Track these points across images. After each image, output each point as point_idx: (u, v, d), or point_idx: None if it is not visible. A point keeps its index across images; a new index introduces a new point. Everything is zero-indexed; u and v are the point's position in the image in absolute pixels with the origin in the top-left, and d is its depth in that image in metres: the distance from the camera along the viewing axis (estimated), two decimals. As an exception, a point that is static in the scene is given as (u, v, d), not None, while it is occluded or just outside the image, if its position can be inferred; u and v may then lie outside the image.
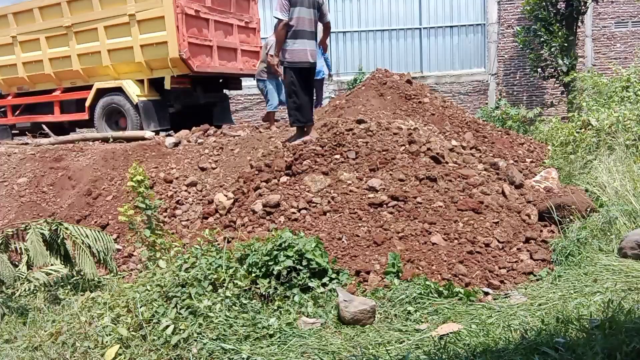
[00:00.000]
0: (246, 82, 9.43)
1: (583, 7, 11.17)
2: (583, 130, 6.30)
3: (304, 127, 5.69)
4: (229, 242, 4.18)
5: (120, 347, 3.04)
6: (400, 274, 3.65)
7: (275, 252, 3.52)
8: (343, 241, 4.02)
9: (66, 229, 4.13)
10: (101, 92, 8.07)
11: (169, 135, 7.28)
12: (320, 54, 7.47)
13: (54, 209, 5.73)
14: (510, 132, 7.42)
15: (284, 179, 4.81)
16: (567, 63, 10.96)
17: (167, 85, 7.68)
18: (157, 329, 3.13)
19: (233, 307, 3.27)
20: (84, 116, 8.31)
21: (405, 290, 3.44)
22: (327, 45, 6.37)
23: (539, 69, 11.59)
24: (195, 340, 3.04)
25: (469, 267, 3.81)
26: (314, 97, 6.85)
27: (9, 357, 3.19)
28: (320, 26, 5.79)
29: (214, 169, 5.82)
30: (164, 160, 6.09)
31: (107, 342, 3.11)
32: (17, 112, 9.23)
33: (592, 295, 3.21)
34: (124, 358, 2.99)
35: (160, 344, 3.06)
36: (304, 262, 3.51)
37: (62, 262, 4.22)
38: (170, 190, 5.53)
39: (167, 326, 3.09)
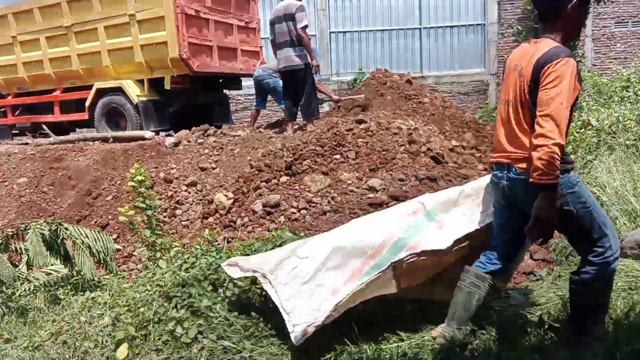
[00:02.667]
0: (246, 82, 9.41)
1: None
2: (583, 130, 6.30)
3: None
4: (229, 242, 4.19)
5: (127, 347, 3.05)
6: (400, 274, 3.64)
7: (275, 252, 3.52)
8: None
9: (66, 229, 4.13)
10: (101, 92, 8.07)
11: (169, 135, 7.27)
12: None
13: (54, 209, 5.73)
14: (510, 132, 7.41)
15: (284, 179, 4.82)
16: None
17: (167, 85, 7.67)
18: (161, 329, 3.14)
19: (233, 307, 3.28)
20: (84, 116, 8.30)
21: (405, 290, 3.44)
22: None
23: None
24: (197, 340, 3.04)
25: (469, 267, 3.80)
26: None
27: (9, 357, 3.19)
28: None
29: (214, 169, 5.82)
30: (164, 160, 6.09)
31: (109, 341, 3.11)
32: (17, 112, 9.22)
33: (592, 295, 3.21)
34: (127, 358, 3.00)
35: (161, 344, 3.06)
36: (304, 262, 3.51)
37: (62, 262, 4.22)
38: (170, 190, 5.53)
39: (176, 325, 3.10)
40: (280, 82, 7.11)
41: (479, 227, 2.86)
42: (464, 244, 2.87)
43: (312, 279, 2.82)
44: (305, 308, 2.71)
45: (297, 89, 6.48)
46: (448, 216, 2.97)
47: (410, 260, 2.81)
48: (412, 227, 2.93)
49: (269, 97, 7.74)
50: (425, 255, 2.81)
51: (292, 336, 2.64)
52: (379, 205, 4.33)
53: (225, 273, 3.18)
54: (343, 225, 3.27)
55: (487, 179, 3.03)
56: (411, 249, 2.83)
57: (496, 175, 2.61)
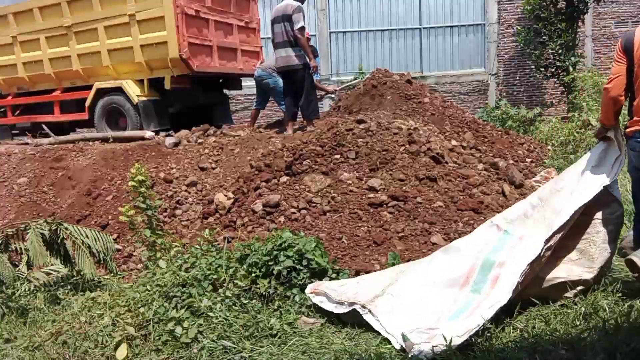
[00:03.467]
0: (246, 82, 9.41)
1: (584, 8, 11.16)
2: (583, 130, 6.29)
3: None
4: (229, 242, 4.19)
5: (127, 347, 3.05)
6: (400, 274, 3.65)
7: (275, 252, 3.52)
8: (343, 241, 4.02)
9: (66, 229, 4.13)
10: (101, 92, 8.06)
11: (169, 135, 7.27)
12: None
13: (54, 209, 5.73)
14: (510, 132, 7.42)
15: (284, 179, 4.81)
16: (573, 60, 10.96)
17: (167, 85, 7.67)
18: (160, 329, 3.14)
19: (233, 307, 3.28)
20: (84, 116, 8.30)
21: (405, 290, 3.44)
22: None
23: (542, 68, 11.59)
24: (197, 340, 3.04)
25: (469, 267, 3.80)
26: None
27: (9, 357, 3.19)
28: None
29: (214, 169, 5.82)
30: (164, 160, 6.09)
31: (109, 341, 3.11)
32: (17, 112, 9.22)
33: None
34: (127, 358, 3.00)
35: (161, 344, 3.06)
36: (304, 262, 3.51)
37: (62, 262, 4.22)
38: (170, 190, 5.53)
39: (176, 325, 3.10)
40: (280, 82, 7.10)
41: (556, 229, 3.10)
42: (550, 247, 3.12)
43: (412, 310, 3.03)
44: (417, 332, 2.82)
45: (297, 88, 6.49)
46: (522, 229, 3.27)
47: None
48: (495, 247, 3.22)
49: (270, 98, 7.74)
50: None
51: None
52: (379, 205, 4.33)
53: (312, 301, 3.34)
54: (427, 258, 3.52)
55: (548, 185, 3.47)
56: (499, 266, 3.08)
57: (638, 141, 3.16)
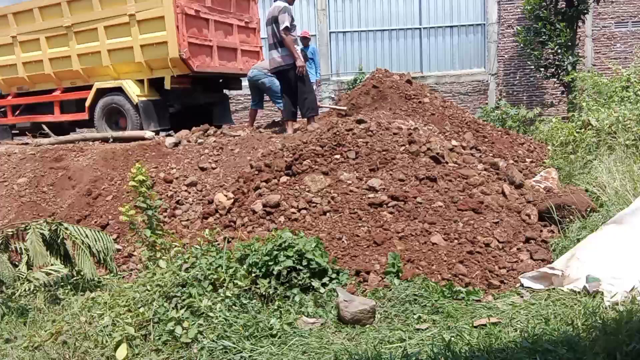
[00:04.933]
0: (246, 82, 9.42)
1: (584, 8, 11.16)
2: (583, 130, 6.29)
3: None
4: (229, 242, 4.19)
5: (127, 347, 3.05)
6: (400, 274, 3.65)
7: (275, 252, 3.52)
8: (343, 241, 4.02)
9: (66, 229, 4.13)
10: (101, 92, 8.07)
11: (169, 135, 7.27)
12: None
13: (54, 209, 5.73)
14: (510, 132, 7.41)
15: (284, 179, 4.81)
16: (572, 61, 10.96)
17: (167, 85, 7.67)
18: (160, 328, 3.14)
19: (233, 307, 3.28)
20: (84, 116, 8.30)
21: (405, 290, 3.45)
22: None
23: (542, 68, 11.59)
24: (197, 340, 3.04)
25: (469, 267, 3.81)
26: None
27: (9, 357, 3.19)
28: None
29: (214, 169, 5.82)
30: (164, 160, 6.09)
31: (109, 341, 3.11)
32: (17, 112, 9.22)
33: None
34: (127, 358, 3.00)
35: (161, 344, 3.06)
36: (304, 262, 3.51)
37: (62, 262, 4.22)
38: (170, 190, 5.53)
39: (176, 325, 3.09)
40: (276, 81, 7.13)
41: None
42: None
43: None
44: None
45: (292, 88, 6.52)
46: None
47: None
48: None
49: (267, 97, 7.75)
50: None
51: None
52: (379, 205, 4.33)
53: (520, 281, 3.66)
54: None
55: None
56: None
57: None
